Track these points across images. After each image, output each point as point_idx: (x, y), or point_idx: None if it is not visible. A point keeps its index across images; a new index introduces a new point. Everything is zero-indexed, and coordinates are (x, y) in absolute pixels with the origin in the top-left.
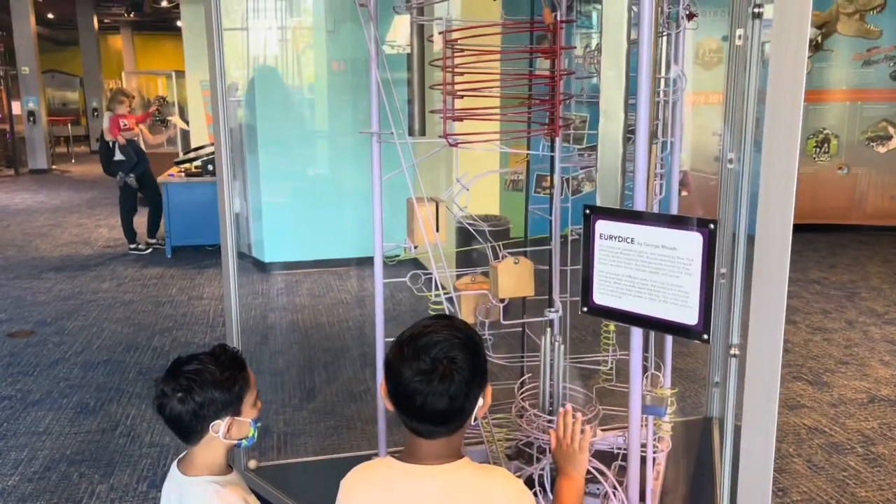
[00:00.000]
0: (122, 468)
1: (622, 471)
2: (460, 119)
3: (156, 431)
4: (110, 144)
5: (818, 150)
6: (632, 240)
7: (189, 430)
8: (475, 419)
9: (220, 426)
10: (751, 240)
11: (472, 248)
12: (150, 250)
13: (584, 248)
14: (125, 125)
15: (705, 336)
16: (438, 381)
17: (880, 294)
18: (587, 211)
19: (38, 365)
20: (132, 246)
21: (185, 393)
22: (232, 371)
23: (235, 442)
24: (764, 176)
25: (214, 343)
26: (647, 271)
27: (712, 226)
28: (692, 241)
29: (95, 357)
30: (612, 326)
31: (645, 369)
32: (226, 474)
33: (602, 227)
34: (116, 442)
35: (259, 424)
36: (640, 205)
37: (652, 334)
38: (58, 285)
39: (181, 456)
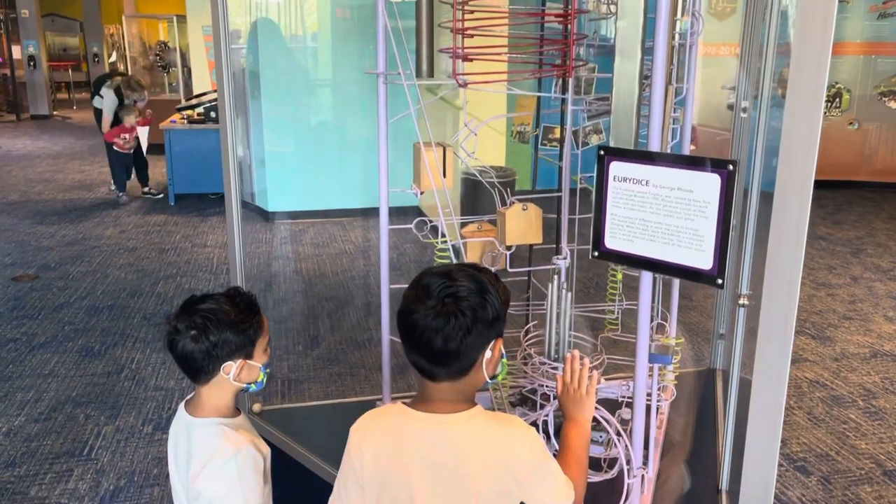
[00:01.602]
0: (128, 410)
1: (626, 419)
2: (470, 59)
3: (160, 375)
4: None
5: (829, 104)
6: (646, 182)
7: (199, 370)
8: (490, 377)
9: (231, 368)
10: (764, 195)
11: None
12: (124, 197)
13: (597, 190)
14: (125, 139)
15: (719, 280)
16: (434, 317)
17: (886, 250)
18: (601, 152)
19: (43, 309)
20: (121, 193)
21: (200, 331)
22: (247, 314)
23: (244, 385)
24: (786, 133)
25: (219, 290)
26: (662, 214)
27: (731, 167)
28: (709, 183)
29: (100, 302)
30: (619, 276)
31: (651, 319)
32: (234, 417)
33: (616, 168)
34: (122, 385)
35: (268, 370)
36: (655, 146)
37: (658, 285)
38: (61, 231)
39: (188, 398)
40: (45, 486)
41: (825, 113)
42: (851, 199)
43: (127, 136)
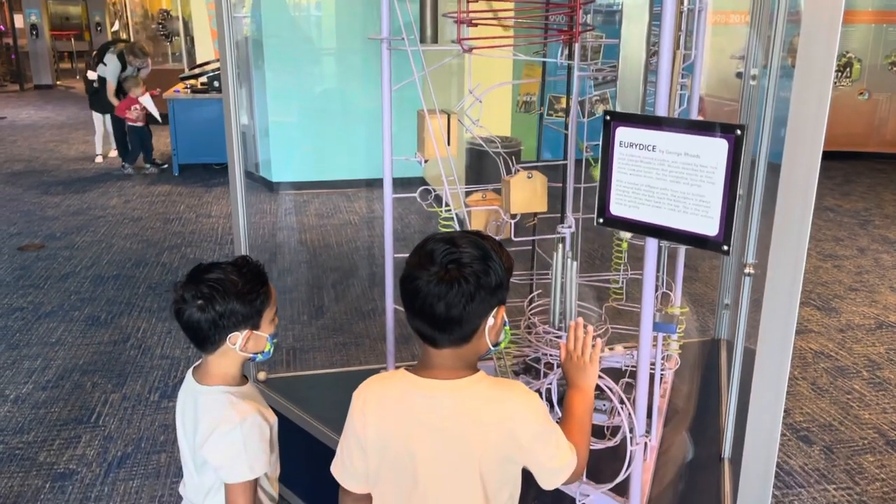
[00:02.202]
0: (134, 379)
1: (629, 388)
2: (475, 24)
3: (166, 344)
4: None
5: (840, 74)
6: (653, 147)
7: (205, 339)
8: (493, 345)
9: (237, 338)
10: (771, 167)
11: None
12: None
13: (603, 156)
14: (136, 111)
15: (725, 247)
16: (437, 284)
17: (894, 222)
18: (607, 117)
19: (49, 278)
20: (127, 165)
21: (206, 301)
22: (254, 284)
23: (251, 355)
24: (794, 103)
25: (225, 260)
26: (668, 180)
27: (738, 131)
28: (717, 148)
29: (105, 272)
30: (624, 245)
31: (656, 289)
32: (241, 385)
33: (622, 134)
34: (128, 354)
35: (275, 340)
36: (662, 110)
37: (664, 255)
38: (66, 201)
39: (196, 364)
40: (54, 451)
41: (835, 83)
42: (860, 169)
43: (137, 106)
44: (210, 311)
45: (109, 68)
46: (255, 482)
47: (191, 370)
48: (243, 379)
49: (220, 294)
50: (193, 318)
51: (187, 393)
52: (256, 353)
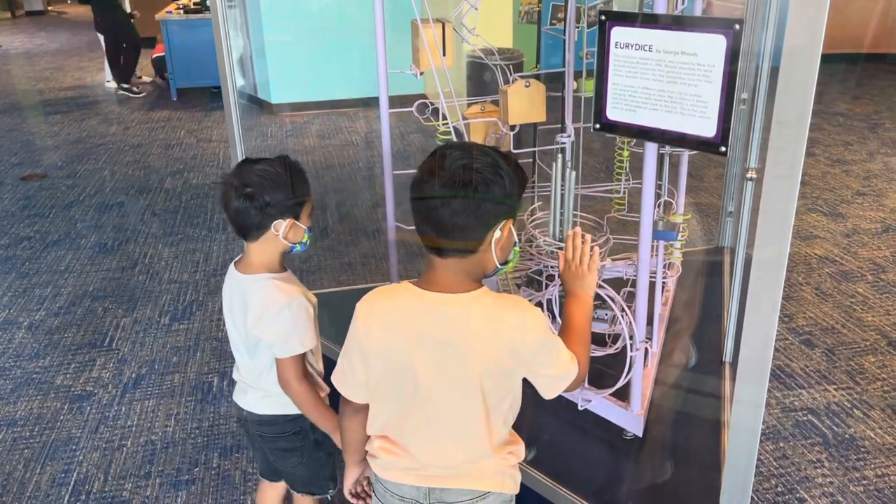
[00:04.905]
0: (144, 303)
1: (631, 297)
2: None
3: (174, 269)
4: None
5: None
6: (649, 47)
7: (251, 225)
8: (500, 263)
9: (281, 225)
10: (775, 71)
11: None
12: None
13: (599, 59)
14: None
15: (723, 148)
16: (444, 188)
17: None
18: (602, 17)
19: (54, 207)
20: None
21: (256, 188)
22: (297, 179)
23: (290, 245)
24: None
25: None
26: (665, 81)
27: (737, 26)
28: (714, 45)
29: (109, 199)
30: (625, 154)
31: (658, 197)
32: (282, 273)
33: (618, 34)
34: (136, 279)
35: (310, 234)
36: (660, 8)
37: (665, 163)
38: (65, 129)
39: (237, 259)
40: (70, 375)
41: None
42: (873, 72)
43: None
44: (259, 199)
45: None
46: (304, 356)
47: (232, 264)
48: (283, 268)
49: (269, 182)
50: (242, 206)
51: (233, 284)
52: (295, 244)
